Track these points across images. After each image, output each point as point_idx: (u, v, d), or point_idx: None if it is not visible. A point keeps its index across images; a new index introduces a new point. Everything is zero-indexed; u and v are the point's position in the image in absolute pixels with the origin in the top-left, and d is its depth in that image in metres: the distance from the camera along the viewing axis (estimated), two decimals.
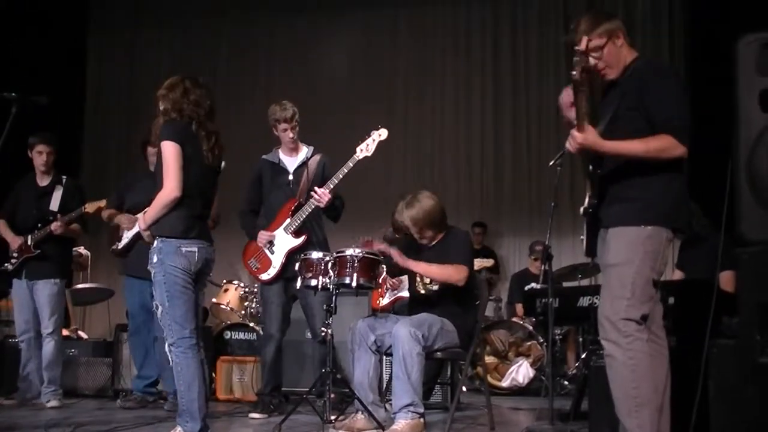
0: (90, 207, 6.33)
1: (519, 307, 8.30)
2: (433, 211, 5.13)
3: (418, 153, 10.70)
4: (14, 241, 6.39)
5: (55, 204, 6.46)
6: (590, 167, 3.78)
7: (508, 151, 10.49)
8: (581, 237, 3.99)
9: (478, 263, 7.50)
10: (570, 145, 3.72)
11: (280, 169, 5.91)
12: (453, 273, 5.00)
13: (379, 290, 6.93)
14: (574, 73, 3.59)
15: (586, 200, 3.82)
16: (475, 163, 10.58)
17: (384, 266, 5.18)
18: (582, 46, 3.63)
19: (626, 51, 3.82)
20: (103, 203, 6.35)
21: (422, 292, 5.21)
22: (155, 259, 4.25)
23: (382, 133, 5.67)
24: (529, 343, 7.69)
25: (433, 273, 5.07)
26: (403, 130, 10.25)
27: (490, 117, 10.56)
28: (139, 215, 6.00)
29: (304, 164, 5.88)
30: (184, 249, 4.24)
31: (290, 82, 10.34)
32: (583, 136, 3.65)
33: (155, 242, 4.28)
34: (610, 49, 3.77)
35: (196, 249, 4.28)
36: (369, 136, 5.66)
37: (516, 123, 10.49)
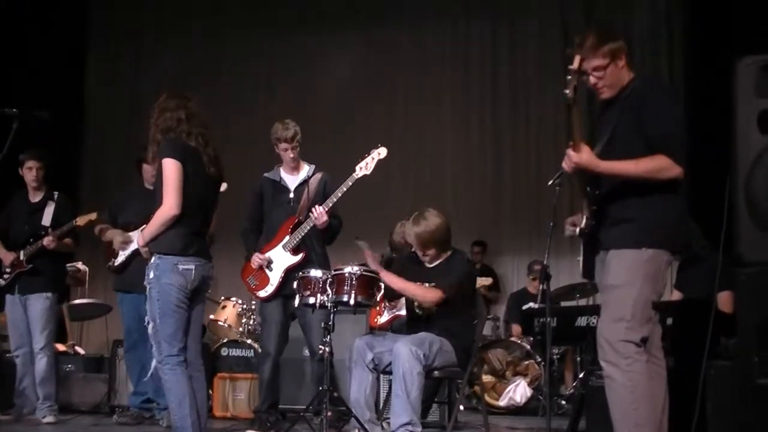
0: (81, 220, 6.32)
1: (516, 328, 8.29)
2: (438, 230, 5.15)
3: (417, 171, 10.69)
4: (6, 256, 6.39)
5: (47, 219, 6.45)
6: (587, 188, 3.80)
7: (508, 169, 10.47)
8: (578, 258, 4.00)
9: (478, 282, 7.48)
10: (566, 165, 3.74)
11: (281, 188, 5.90)
12: (421, 294, 5.06)
13: (377, 308, 6.91)
14: (567, 91, 3.61)
15: (583, 221, 3.84)
16: (475, 181, 10.57)
17: (382, 284, 5.18)
18: (575, 65, 3.65)
19: (626, 71, 3.84)
20: (93, 216, 6.34)
21: (418, 312, 5.22)
22: (151, 275, 4.25)
23: (381, 152, 5.67)
24: (526, 362, 7.66)
25: (400, 288, 5.12)
26: (401, 148, 10.20)
27: (489, 135, 10.55)
28: (134, 233, 6.07)
29: (305, 182, 5.87)
30: (181, 267, 4.24)
31: (291, 98, 10.32)
32: (578, 156, 3.67)
33: (153, 258, 4.28)
34: (612, 70, 3.79)
35: (193, 267, 4.28)
36: (368, 154, 5.67)
37: (515, 141, 10.47)
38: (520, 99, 10.49)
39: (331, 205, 5.61)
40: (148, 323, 4.27)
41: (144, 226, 5.90)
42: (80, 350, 8.58)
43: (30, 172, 6.46)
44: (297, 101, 10.12)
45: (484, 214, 10.50)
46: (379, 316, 6.98)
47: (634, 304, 3.61)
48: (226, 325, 7.78)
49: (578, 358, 7.58)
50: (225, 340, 7.41)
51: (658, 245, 3.65)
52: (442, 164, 10.73)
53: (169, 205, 4.19)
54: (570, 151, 3.67)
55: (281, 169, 5.96)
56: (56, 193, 6.61)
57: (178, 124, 4.34)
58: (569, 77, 3.62)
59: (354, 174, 5.62)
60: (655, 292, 3.68)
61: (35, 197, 6.54)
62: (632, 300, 3.61)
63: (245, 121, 10.25)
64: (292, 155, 5.81)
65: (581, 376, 6.77)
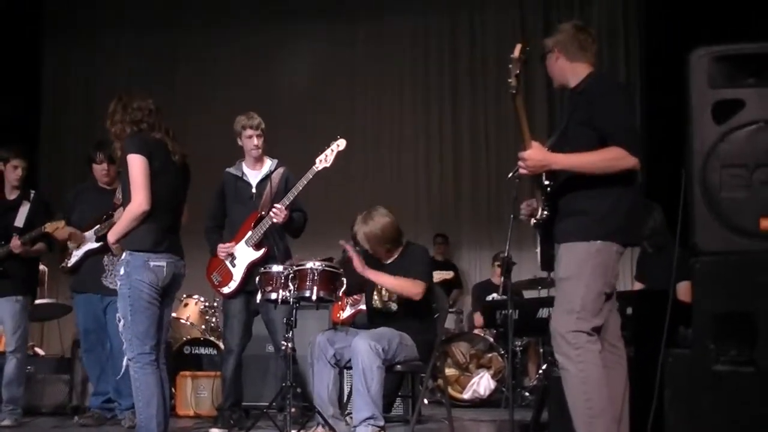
0: (50, 227, 6.11)
1: (478, 317, 8.32)
2: (386, 229, 5.17)
3: (377, 164, 10.70)
4: None
5: (20, 220, 6.30)
6: (543, 179, 3.82)
7: (467, 161, 10.51)
8: (535, 250, 4.04)
9: (438, 276, 7.52)
10: (521, 169, 3.77)
11: (243, 183, 5.88)
12: (410, 286, 5.03)
13: (340, 303, 6.92)
14: (510, 80, 3.64)
15: (538, 212, 3.87)
16: (435, 174, 10.61)
17: (344, 279, 5.18)
18: (516, 53, 3.68)
19: (577, 66, 3.89)
20: (62, 224, 6.13)
21: (379, 307, 5.24)
22: (122, 272, 4.23)
23: (340, 144, 5.68)
24: (490, 354, 7.70)
25: (390, 284, 5.10)
26: (363, 141, 10.24)
27: (448, 127, 10.57)
28: (88, 233, 6.01)
29: (267, 177, 5.85)
30: (152, 263, 4.22)
31: (250, 92, 10.22)
32: (528, 154, 3.69)
33: (123, 255, 4.26)
34: (551, 62, 3.94)
35: (164, 263, 4.27)
36: (328, 146, 5.68)
37: (475, 134, 10.52)
38: (479, 92, 10.53)
39: (289, 201, 5.60)
40: (120, 320, 4.24)
41: (97, 226, 5.94)
42: (40, 351, 8.48)
43: (14, 171, 6.32)
44: (256, 96, 10.02)
45: (445, 207, 10.55)
46: (341, 312, 7.01)
47: (583, 296, 3.65)
48: (188, 323, 7.74)
49: (541, 350, 7.65)
50: (188, 338, 7.38)
51: (608, 237, 3.69)
52: (401, 157, 10.74)
53: (139, 201, 4.17)
54: (522, 153, 3.72)
55: (243, 164, 5.94)
56: (33, 192, 6.48)
57: (149, 115, 4.33)
58: (510, 66, 3.66)
59: (314, 167, 5.62)
60: (606, 283, 3.71)
61: (11, 195, 6.38)
62: (582, 292, 3.66)
63: (204, 116, 10.13)
64: (256, 142, 5.78)
65: (544, 367, 6.85)
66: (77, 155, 10.05)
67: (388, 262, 5.26)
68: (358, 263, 5.07)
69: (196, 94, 10.68)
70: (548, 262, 3.97)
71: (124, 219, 4.24)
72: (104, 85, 10.27)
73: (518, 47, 3.70)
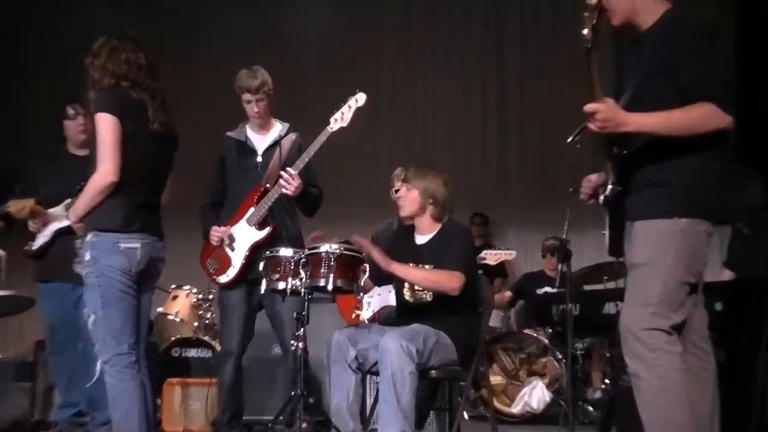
0: (14, 206, 6.13)
1: (503, 294, 8.30)
2: (442, 191, 5.23)
3: (406, 129, 10.71)
4: None
5: None
6: (613, 146, 3.80)
7: (514, 125, 10.52)
8: (603, 232, 4.03)
9: (494, 256, 7.44)
10: (592, 125, 3.70)
11: (246, 150, 5.86)
12: (445, 280, 5.01)
13: (359, 299, 6.86)
14: (584, 31, 3.61)
15: (608, 187, 3.84)
16: (476, 140, 10.61)
17: (367, 266, 5.16)
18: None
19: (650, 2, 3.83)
20: (30, 203, 6.14)
21: (411, 301, 5.24)
22: (87, 257, 4.24)
23: (359, 98, 5.67)
24: (544, 359, 7.67)
25: (421, 280, 5.10)
26: (391, 102, 10.25)
27: (493, 82, 10.57)
28: (56, 209, 6.01)
29: (276, 144, 5.82)
30: (122, 245, 4.24)
31: (265, 47, 10.14)
32: (601, 107, 3.63)
33: (88, 236, 4.27)
34: None
35: (138, 245, 4.28)
36: (344, 103, 5.66)
37: (524, 93, 10.51)
38: (530, 43, 10.50)
39: (302, 165, 5.57)
40: (88, 316, 4.25)
41: (69, 200, 5.93)
42: None
43: None
44: (271, 50, 9.97)
45: (486, 181, 10.55)
46: (357, 311, 6.94)
47: (663, 286, 3.61)
48: (177, 320, 7.78)
49: (608, 354, 7.58)
50: (177, 338, 7.41)
51: (695, 213, 3.65)
52: (435, 119, 10.74)
53: (105, 170, 4.18)
54: (591, 106, 3.64)
55: (247, 127, 5.93)
56: None
57: (137, 71, 4.33)
58: (586, 14, 3.63)
59: (328, 127, 5.61)
60: (691, 271, 3.67)
61: None
62: (660, 280, 3.62)
63: (210, 77, 10.05)
64: (256, 109, 5.76)
65: (611, 374, 6.81)
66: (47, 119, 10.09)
67: (422, 242, 5.26)
68: (379, 258, 5.04)
69: (204, 52, 10.65)
70: (617, 246, 3.94)
71: (88, 192, 4.25)
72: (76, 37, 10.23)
73: None
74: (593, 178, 3.96)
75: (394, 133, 10.65)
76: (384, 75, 10.66)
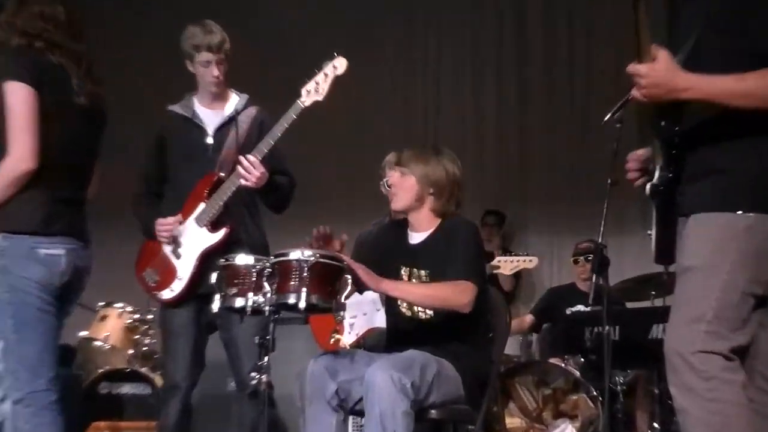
0: None
1: (525, 319, 8.35)
2: (451, 181, 5.23)
3: (407, 112, 10.83)
4: None
5: None
6: (662, 122, 3.75)
7: (539, 105, 10.65)
8: (648, 232, 4.00)
9: (510, 264, 7.43)
10: (636, 90, 3.68)
11: (194, 127, 5.79)
12: (451, 295, 4.97)
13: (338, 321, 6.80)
14: None
15: (656, 174, 3.83)
16: (489, 125, 10.78)
17: (349, 277, 5.10)
18: None
19: None
20: None
21: (407, 314, 5.21)
22: None
23: (338, 65, 5.58)
24: (575, 396, 7.62)
25: (422, 298, 5.09)
26: (390, 79, 10.35)
27: (510, 58, 10.76)
28: None
29: (231, 120, 5.77)
30: (42, 251, 4.24)
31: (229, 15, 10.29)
32: (649, 68, 3.59)
33: None
34: None
35: (62, 251, 4.29)
36: (320, 70, 5.57)
37: (549, 64, 10.68)
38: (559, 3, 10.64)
39: (266, 150, 5.50)
40: None
41: None
42: None
43: None
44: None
45: (503, 172, 10.66)
46: (336, 334, 6.87)
47: (720, 297, 3.55)
48: (107, 347, 7.77)
49: (656, 390, 7.53)
50: (107, 370, 7.40)
51: (763, 208, 3.60)
52: (440, 100, 10.87)
53: (18, 155, 4.17)
54: (636, 67, 3.61)
55: (195, 100, 5.86)
56: None
57: (54, 29, 4.31)
58: None
59: (299, 101, 5.51)
60: (759, 280, 3.60)
61: None
62: (717, 290, 3.55)
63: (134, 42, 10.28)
64: (216, 73, 5.68)
65: (660, 416, 6.77)
66: None
67: (417, 241, 5.25)
68: (364, 275, 4.97)
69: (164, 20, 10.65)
70: (668, 251, 3.89)
71: None
72: None
73: None
74: (641, 152, 3.95)
75: (393, 119, 10.70)
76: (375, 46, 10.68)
